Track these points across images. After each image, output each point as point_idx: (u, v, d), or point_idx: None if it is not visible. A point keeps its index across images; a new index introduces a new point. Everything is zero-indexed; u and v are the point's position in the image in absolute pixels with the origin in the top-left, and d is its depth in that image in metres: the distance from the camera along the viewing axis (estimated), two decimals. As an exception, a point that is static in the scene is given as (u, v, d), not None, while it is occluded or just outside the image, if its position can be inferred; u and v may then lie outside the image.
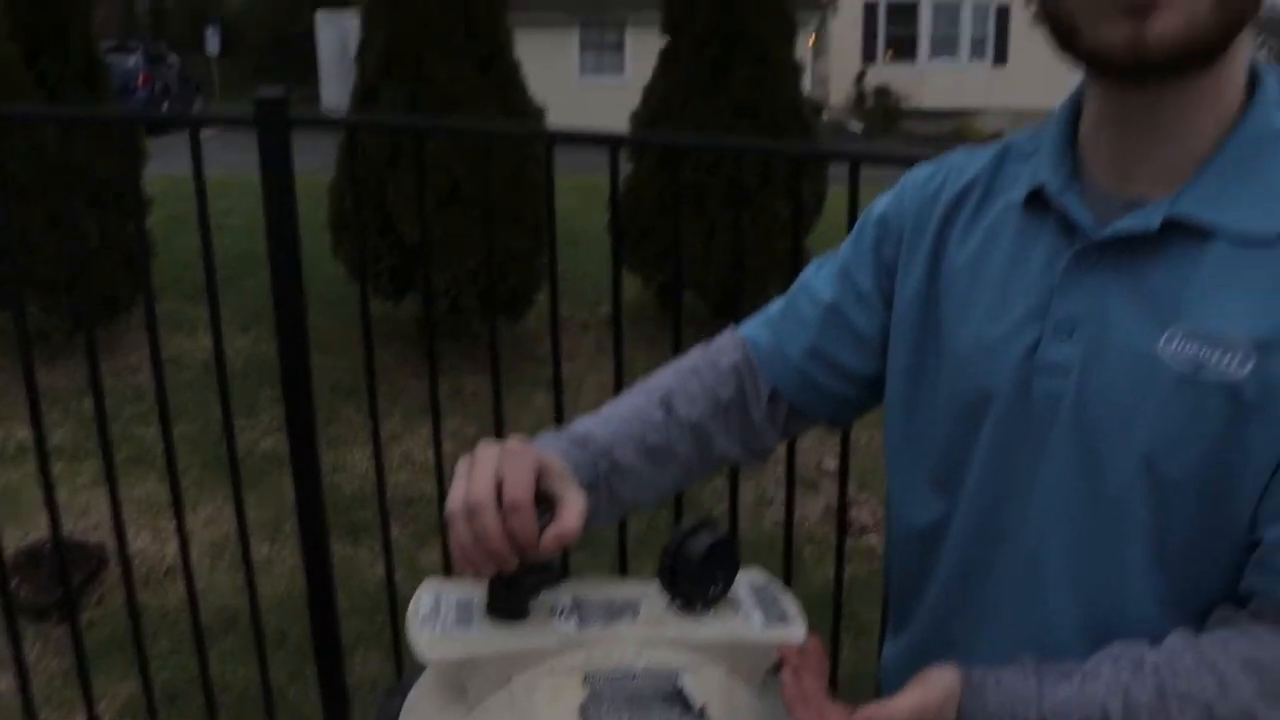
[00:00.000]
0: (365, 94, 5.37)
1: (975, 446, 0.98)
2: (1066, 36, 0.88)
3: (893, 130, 24.75)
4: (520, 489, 0.89)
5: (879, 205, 1.12)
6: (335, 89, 24.41)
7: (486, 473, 0.90)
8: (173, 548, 3.46)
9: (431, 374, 2.65)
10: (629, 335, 5.35)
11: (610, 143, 2.50)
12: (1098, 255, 0.91)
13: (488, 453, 0.92)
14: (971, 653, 1.01)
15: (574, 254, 7.15)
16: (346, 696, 2.65)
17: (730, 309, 5.65)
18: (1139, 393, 0.87)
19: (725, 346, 1.17)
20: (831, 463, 4.42)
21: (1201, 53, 0.85)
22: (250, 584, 2.59)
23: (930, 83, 24.54)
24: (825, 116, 25.46)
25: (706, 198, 5.27)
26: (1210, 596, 0.89)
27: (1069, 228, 0.93)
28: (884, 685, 1.19)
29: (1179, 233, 0.88)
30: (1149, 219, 0.88)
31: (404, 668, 2.69)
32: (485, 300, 5.17)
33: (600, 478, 1.05)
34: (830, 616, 2.65)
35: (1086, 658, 0.92)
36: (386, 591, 2.71)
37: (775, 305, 1.18)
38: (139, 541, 3.70)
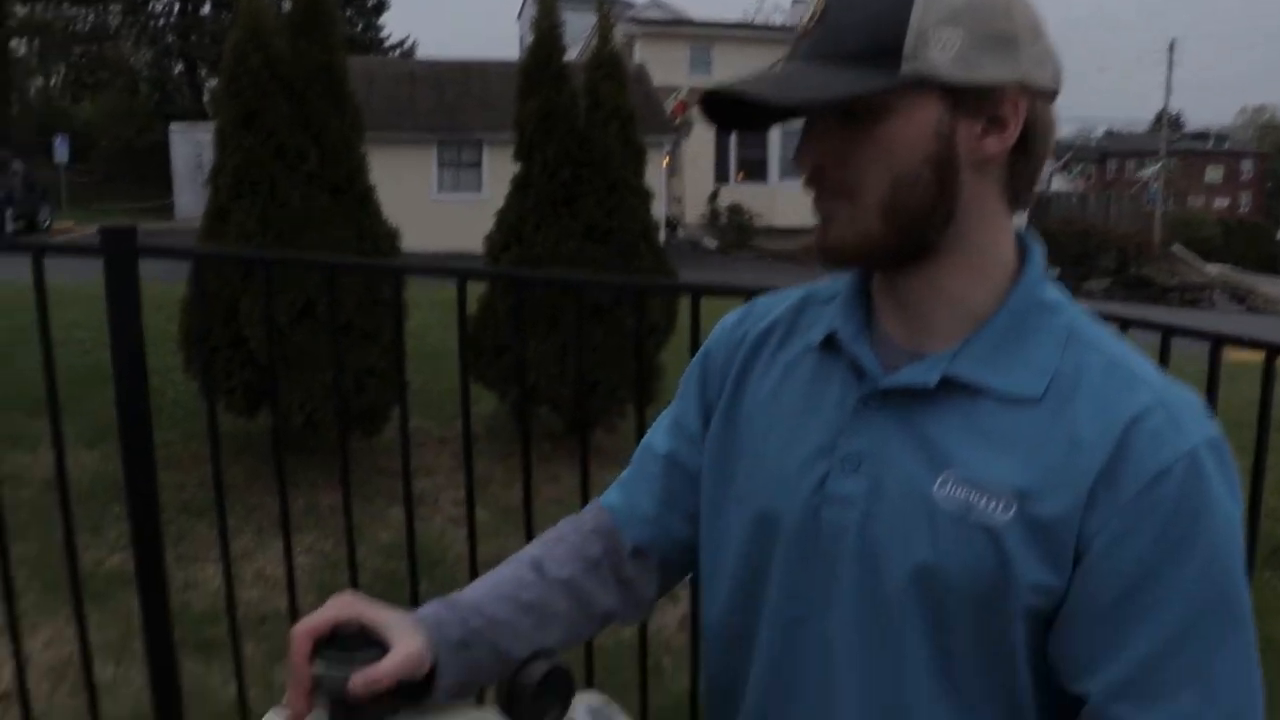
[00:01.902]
0: (218, 214, 5.40)
1: (770, 570, 1.06)
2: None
3: (746, 247, 25.57)
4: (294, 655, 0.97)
5: (700, 353, 1.22)
6: (190, 200, 24.09)
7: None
8: (9, 671, 3.36)
9: (281, 488, 2.69)
10: (486, 451, 5.48)
11: (459, 275, 2.63)
12: (881, 400, 1.00)
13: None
14: None
15: (432, 369, 7.22)
16: (194, 819, 2.62)
17: (585, 425, 5.76)
18: (916, 527, 0.96)
19: (587, 514, 1.24)
20: (682, 573, 4.52)
21: (881, 254, 1.00)
22: (91, 701, 2.56)
23: (781, 202, 25.50)
24: (680, 234, 26.20)
25: (559, 315, 5.41)
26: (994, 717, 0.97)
27: (858, 372, 1.02)
28: None
29: (953, 389, 0.97)
30: (927, 375, 0.98)
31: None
32: (338, 417, 5.19)
33: (474, 633, 1.09)
34: (683, 721, 2.74)
35: None
36: (239, 712, 2.70)
37: (626, 470, 1.25)
38: (-28, 667, 3.58)
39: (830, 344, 1.07)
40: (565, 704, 1.08)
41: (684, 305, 5.87)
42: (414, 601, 2.78)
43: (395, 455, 5.78)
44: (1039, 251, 1.04)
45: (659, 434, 1.23)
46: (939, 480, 0.96)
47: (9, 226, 19.07)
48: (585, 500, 2.06)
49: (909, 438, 0.98)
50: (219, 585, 4.19)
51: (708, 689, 1.22)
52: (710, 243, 26.11)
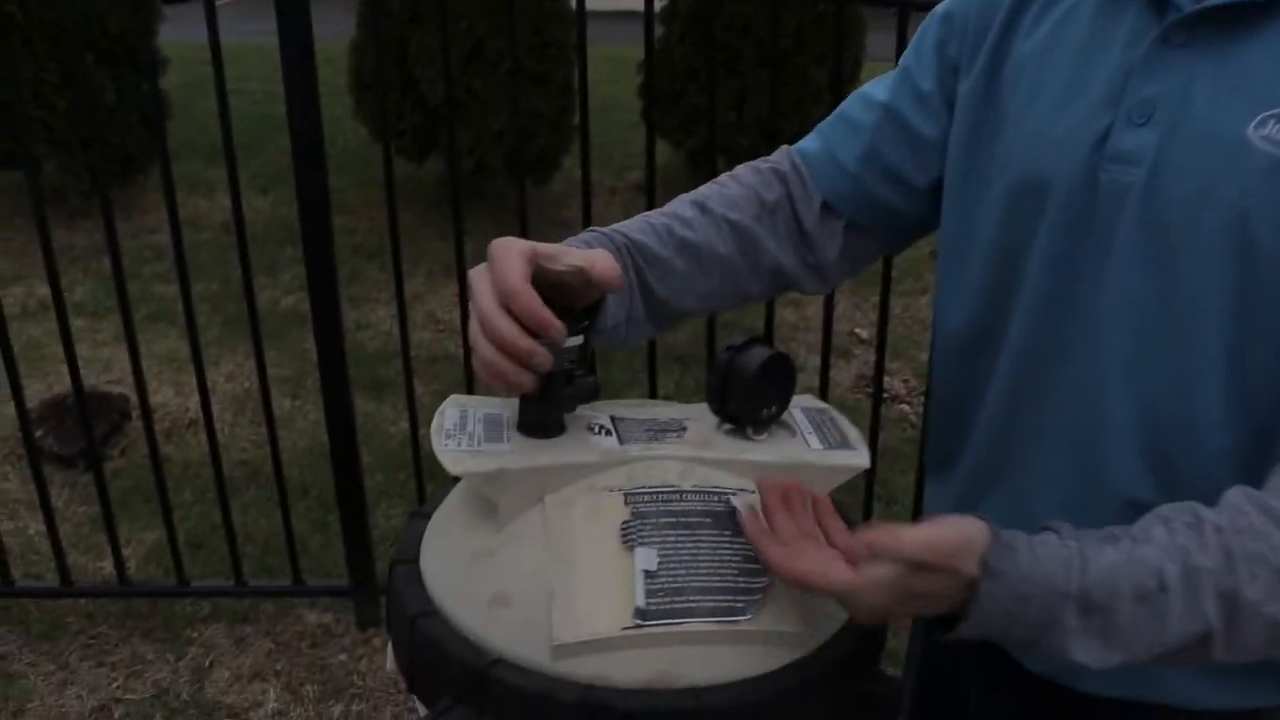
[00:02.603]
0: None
1: (1032, 247, 0.91)
2: None
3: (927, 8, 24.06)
4: (509, 278, 0.80)
5: (943, 5, 1.04)
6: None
7: (484, 287, 0.82)
8: (195, 401, 3.42)
9: (457, 229, 2.59)
10: (660, 200, 5.20)
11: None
12: (1188, 33, 0.82)
13: (479, 272, 0.85)
14: (1021, 485, 0.94)
15: (601, 120, 6.97)
16: (369, 546, 2.62)
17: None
18: (1222, 178, 0.80)
19: (769, 157, 1.11)
20: (864, 331, 4.33)
21: None
22: (270, 431, 2.54)
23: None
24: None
25: (739, 60, 5.08)
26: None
27: (1158, 4, 0.84)
28: None
29: None
30: None
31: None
32: (511, 161, 5.04)
33: (622, 252, 0.97)
34: (863, 482, 2.61)
35: (1143, 486, 0.86)
36: (410, 447, 2.67)
37: (824, 121, 1.12)
38: (160, 395, 3.65)
39: None
40: (784, 400, 0.91)
41: (868, 66, 5.44)
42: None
43: (564, 205, 5.67)
44: None
45: (878, 85, 1.07)
46: (1256, 120, 0.78)
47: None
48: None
49: (1220, 73, 0.81)
50: (390, 327, 4.19)
51: (936, 402, 1.09)
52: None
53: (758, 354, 0.88)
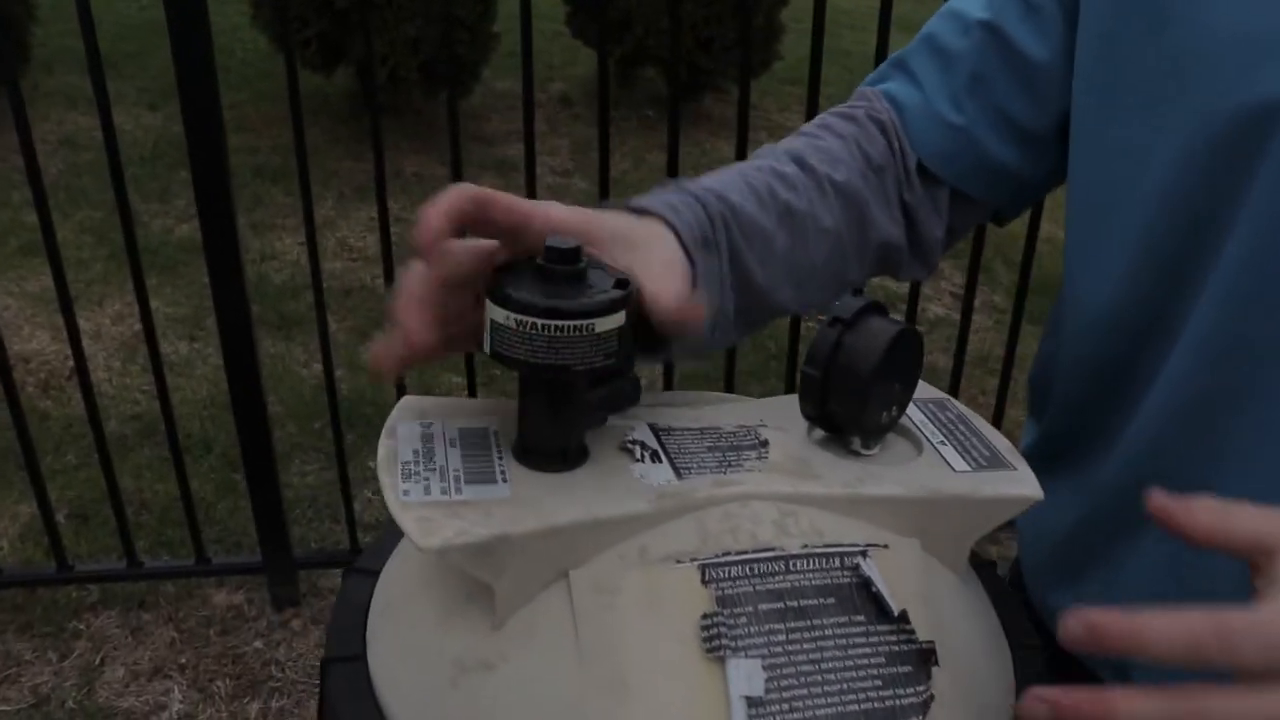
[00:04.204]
0: None
1: (1238, 201, 0.61)
2: None
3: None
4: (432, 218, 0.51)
5: None
6: None
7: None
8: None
9: (376, 145, 2.24)
10: (583, 115, 4.88)
11: None
12: None
13: None
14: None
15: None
16: (282, 510, 2.29)
17: (695, 89, 5.13)
18: None
19: (854, 102, 0.80)
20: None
21: None
22: (160, 380, 2.19)
23: None
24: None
25: (672, -41, 4.72)
26: None
27: None
28: (1027, 543, 0.85)
29: None
30: None
31: (348, 482, 2.33)
32: (427, 72, 4.63)
33: (715, 221, 0.65)
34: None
35: None
36: (326, 392, 2.33)
37: (905, 50, 0.81)
38: (35, 341, 3.24)
39: None
40: (907, 398, 0.61)
41: None
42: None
43: (485, 120, 5.27)
44: None
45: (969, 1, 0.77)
46: None
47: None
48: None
49: None
50: (298, 256, 3.80)
51: (1063, 379, 0.79)
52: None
53: (879, 331, 0.57)
